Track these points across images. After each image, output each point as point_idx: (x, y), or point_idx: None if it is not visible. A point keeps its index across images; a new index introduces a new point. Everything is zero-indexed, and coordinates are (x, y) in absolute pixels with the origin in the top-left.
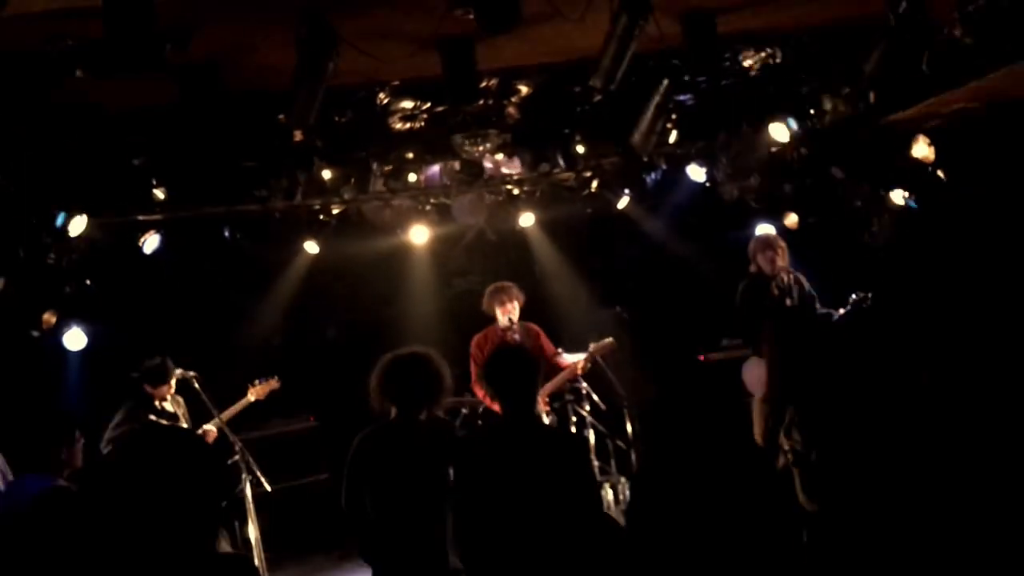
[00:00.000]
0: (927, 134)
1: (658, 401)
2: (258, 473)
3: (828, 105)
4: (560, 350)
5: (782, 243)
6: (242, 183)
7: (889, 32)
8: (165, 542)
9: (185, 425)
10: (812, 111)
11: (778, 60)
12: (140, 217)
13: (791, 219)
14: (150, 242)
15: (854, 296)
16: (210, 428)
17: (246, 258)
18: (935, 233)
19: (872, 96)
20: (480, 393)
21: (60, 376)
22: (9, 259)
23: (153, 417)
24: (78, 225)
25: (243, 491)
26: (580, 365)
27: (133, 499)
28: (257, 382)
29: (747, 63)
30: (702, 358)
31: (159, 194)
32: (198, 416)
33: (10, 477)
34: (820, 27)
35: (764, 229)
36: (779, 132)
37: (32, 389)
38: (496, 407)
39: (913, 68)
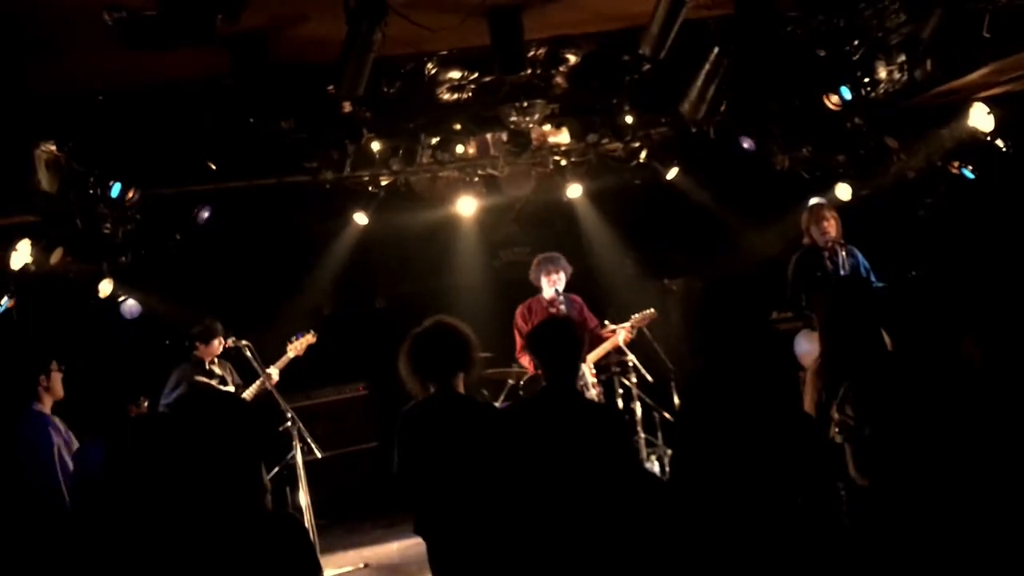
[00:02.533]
0: (986, 102)
1: (706, 373)
2: (309, 440)
3: (883, 73)
4: (607, 322)
5: (835, 214)
6: (292, 155)
7: None
8: (214, 497)
9: (232, 387)
10: (866, 79)
11: (832, 26)
12: (193, 188)
13: (843, 190)
14: (203, 213)
15: (914, 274)
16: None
17: (296, 229)
18: (992, 204)
19: (929, 63)
20: (525, 362)
21: (115, 344)
22: (67, 229)
23: (203, 378)
24: (133, 196)
25: (295, 458)
26: (623, 337)
27: (181, 456)
28: (294, 338)
29: (800, 30)
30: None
31: (211, 165)
32: (249, 382)
33: (74, 444)
34: None
35: (815, 200)
36: (831, 102)
37: (93, 356)
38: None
39: (973, 33)
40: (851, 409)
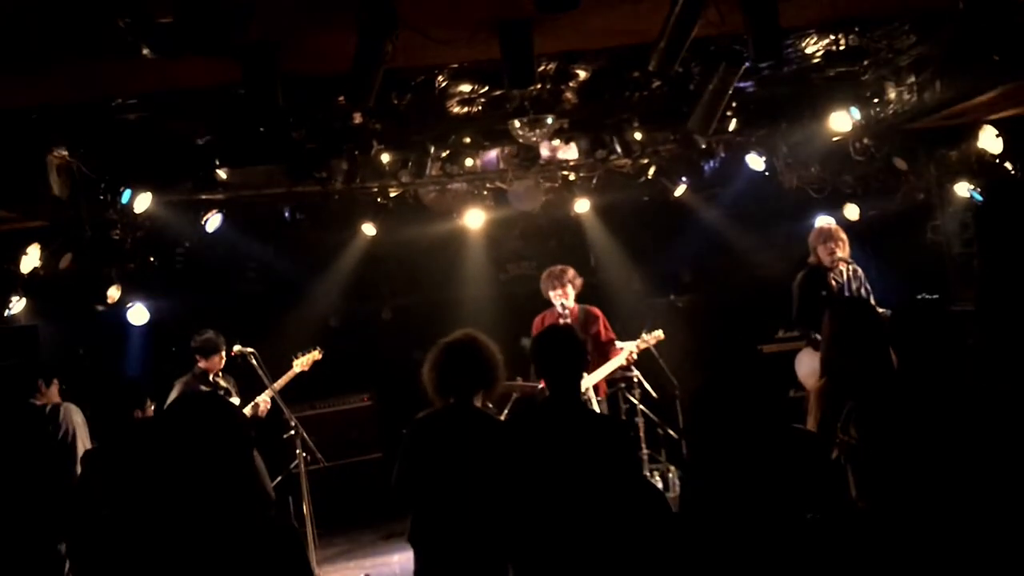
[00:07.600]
0: (995, 124)
1: (710, 392)
2: (313, 448)
3: (892, 94)
4: (614, 340)
5: (843, 235)
6: (303, 164)
7: (958, 17)
8: (200, 502)
9: (236, 400)
10: (876, 100)
11: (842, 47)
12: (203, 196)
13: (851, 211)
14: (212, 221)
15: (920, 298)
16: (264, 399)
17: (305, 239)
18: (1000, 227)
19: (939, 85)
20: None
21: (123, 349)
22: (76, 235)
23: (206, 389)
24: (143, 202)
25: (298, 467)
26: (628, 357)
27: (167, 460)
28: (300, 354)
29: (810, 50)
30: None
31: (222, 174)
32: (253, 390)
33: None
34: (886, 14)
35: (824, 220)
36: (840, 122)
37: (101, 360)
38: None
39: (983, 55)
40: (854, 429)
